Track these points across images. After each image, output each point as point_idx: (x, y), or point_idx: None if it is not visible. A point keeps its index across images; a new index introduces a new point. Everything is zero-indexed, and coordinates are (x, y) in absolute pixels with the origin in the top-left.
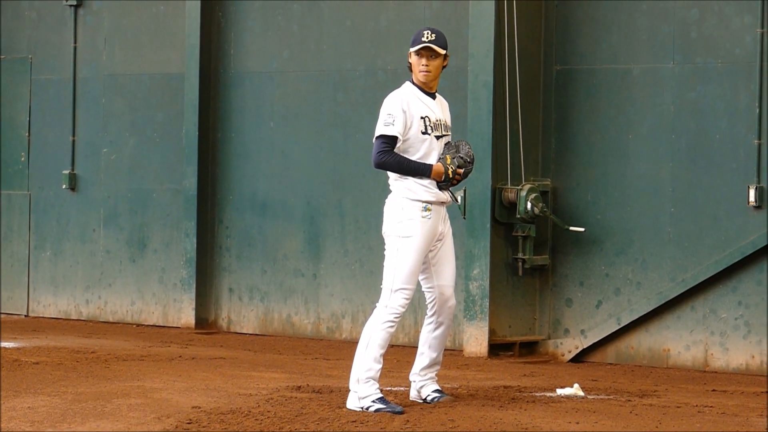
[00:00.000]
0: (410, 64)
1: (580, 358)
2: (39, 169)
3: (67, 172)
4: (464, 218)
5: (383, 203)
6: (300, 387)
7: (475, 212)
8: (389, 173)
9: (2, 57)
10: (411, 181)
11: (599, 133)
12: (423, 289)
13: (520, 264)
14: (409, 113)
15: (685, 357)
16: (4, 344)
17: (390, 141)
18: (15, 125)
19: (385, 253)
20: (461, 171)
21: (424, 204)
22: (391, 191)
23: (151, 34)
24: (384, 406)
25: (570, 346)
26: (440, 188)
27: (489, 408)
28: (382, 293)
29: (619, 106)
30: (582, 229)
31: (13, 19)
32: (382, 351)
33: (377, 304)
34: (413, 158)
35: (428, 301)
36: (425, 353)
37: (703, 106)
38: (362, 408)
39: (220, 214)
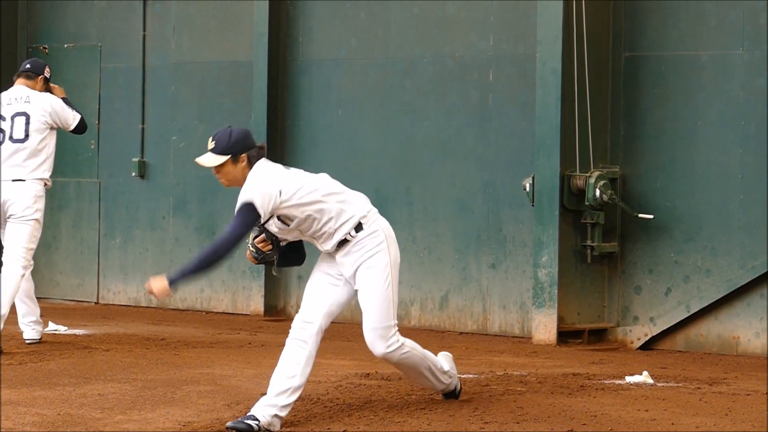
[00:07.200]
0: None
1: (649, 345)
2: (108, 157)
3: (136, 159)
4: (533, 205)
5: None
6: (369, 374)
7: (543, 199)
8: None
9: (72, 45)
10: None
11: (668, 119)
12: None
13: (589, 251)
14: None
15: (755, 344)
16: (75, 331)
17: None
18: (85, 113)
19: (371, 286)
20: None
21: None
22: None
23: (219, 21)
24: None
25: (639, 333)
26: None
27: (558, 395)
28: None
29: (688, 93)
30: (651, 216)
31: (83, 8)
32: None
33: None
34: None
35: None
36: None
37: None
38: None
39: None
